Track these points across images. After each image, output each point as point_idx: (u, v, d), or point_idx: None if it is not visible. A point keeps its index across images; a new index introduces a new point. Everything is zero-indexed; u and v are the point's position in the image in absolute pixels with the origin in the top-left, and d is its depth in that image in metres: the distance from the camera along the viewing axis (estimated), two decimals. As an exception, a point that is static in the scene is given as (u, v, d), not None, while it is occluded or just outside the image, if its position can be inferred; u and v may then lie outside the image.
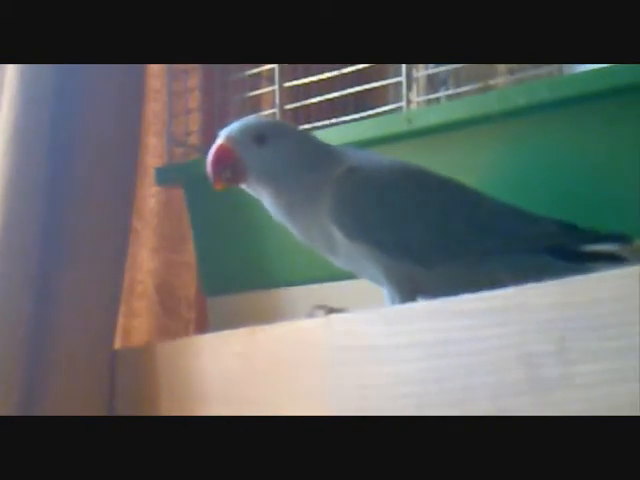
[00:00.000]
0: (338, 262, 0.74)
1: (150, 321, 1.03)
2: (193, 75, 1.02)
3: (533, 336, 0.57)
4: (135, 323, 1.03)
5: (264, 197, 0.74)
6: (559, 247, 0.71)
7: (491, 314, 0.60)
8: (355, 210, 0.71)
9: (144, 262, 1.04)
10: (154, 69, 1.02)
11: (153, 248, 1.04)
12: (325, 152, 0.74)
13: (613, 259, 0.70)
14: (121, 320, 0.98)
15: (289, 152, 0.73)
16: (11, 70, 0.89)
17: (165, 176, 1.00)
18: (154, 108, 1.03)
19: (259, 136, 0.73)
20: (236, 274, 0.96)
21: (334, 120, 0.87)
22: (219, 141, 0.73)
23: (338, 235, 0.71)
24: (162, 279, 1.04)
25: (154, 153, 1.03)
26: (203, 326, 1.04)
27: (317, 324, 0.72)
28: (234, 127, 0.74)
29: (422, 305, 0.65)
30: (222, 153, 0.73)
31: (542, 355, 0.57)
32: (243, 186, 0.74)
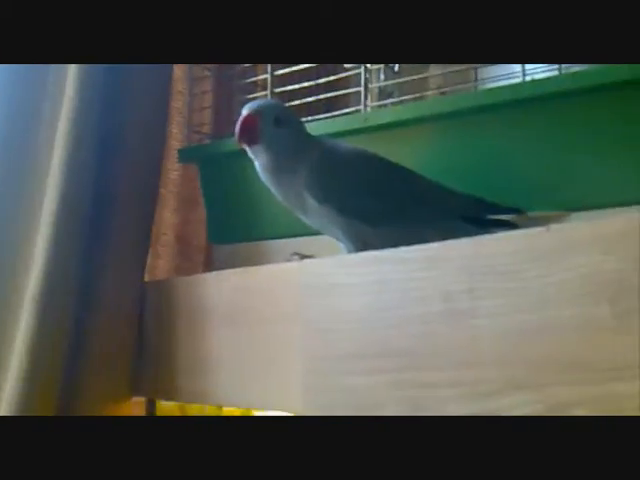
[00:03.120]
0: (307, 220, 0.74)
1: (170, 262, 1.03)
2: (207, 81, 1.01)
3: (451, 278, 0.58)
4: (159, 263, 1.02)
5: (261, 161, 0.73)
6: (472, 216, 0.71)
7: (420, 262, 0.60)
8: (323, 182, 0.71)
9: (168, 219, 1.03)
10: (178, 74, 1.01)
11: (174, 209, 1.03)
12: (310, 139, 0.74)
13: (510, 225, 0.70)
14: (149, 261, 0.97)
15: (291, 136, 0.72)
16: (72, 70, 0.87)
17: (185, 156, 0.99)
18: (177, 105, 1.02)
19: (277, 118, 0.72)
20: (235, 228, 0.95)
21: (310, 118, 0.86)
22: (249, 112, 0.71)
23: (309, 199, 0.71)
24: (180, 231, 1.03)
25: (176, 139, 1.02)
26: (210, 267, 1.03)
27: (293, 266, 0.72)
28: (262, 105, 0.72)
29: (370, 254, 0.65)
30: (249, 122, 0.71)
31: (457, 292, 0.57)
32: (249, 150, 0.73)
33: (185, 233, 1.04)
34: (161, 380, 0.85)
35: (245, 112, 0.72)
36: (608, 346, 0.48)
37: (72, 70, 0.86)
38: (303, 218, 0.74)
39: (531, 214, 0.70)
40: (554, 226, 0.52)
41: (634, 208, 0.67)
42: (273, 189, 0.73)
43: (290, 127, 0.73)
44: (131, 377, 0.87)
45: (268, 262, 0.88)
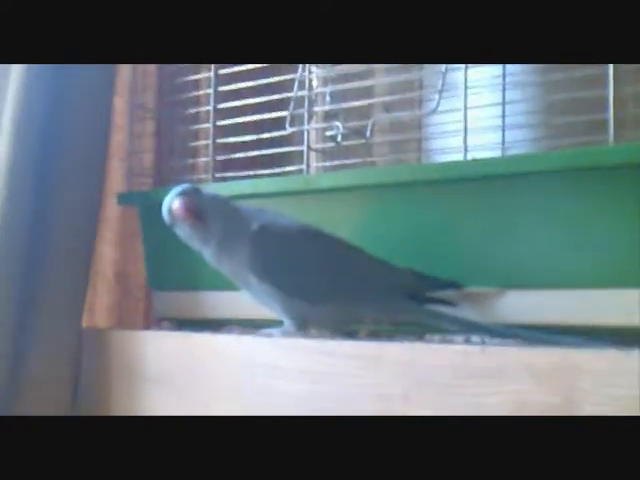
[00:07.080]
0: (250, 295, 0.73)
1: (109, 299, 1.00)
2: (150, 122, 0.98)
3: (386, 381, 0.58)
4: (98, 301, 0.99)
5: (203, 242, 0.72)
6: (412, 291, 0.71)
7: (358, 358, 0.60)
8: (265, 260, 0.70)
9: (107, 254, 1.00)
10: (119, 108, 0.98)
11: (114, 244, 1.00)
12: (244, 213, 0.73)
13: (447, 303, 0.70)
14: (88, 298, 0.94)
15: (223, 214, 0.72)
16: (15, 70, 0.83)
17: (125, 200, 0.96)
18: (118, 138, 0.98)
19: (205, 201, 0.71)
20: (175, 277, 0.93)
21: (252, 172, 0.85)
22: (182, 199, 0.70)
23: (252, 277, 0.71)
24: (120, 268, 1.00)
25: (117, 175, 0.99)
26: (150, 306, 1.01)
27: (232, 341, 0.71)
28: (186, 190, 0.71)
29: (311, 342, 0.64)
30: (190, 206, 0.70)
31: (392, 396, 0.57)
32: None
33: (125, 269, 1.01)
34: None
35: (178, 200, 0.71)
36: None
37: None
38: (247, 292, 0.73)
39: (468, 290, 0.71)
40: (489, 348, 0.52)
41: (566, 292, 0.67)
42: (217, 266, 0.73)
43: (219, 205, 0.72)
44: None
45: (206, 314, 0.88)
